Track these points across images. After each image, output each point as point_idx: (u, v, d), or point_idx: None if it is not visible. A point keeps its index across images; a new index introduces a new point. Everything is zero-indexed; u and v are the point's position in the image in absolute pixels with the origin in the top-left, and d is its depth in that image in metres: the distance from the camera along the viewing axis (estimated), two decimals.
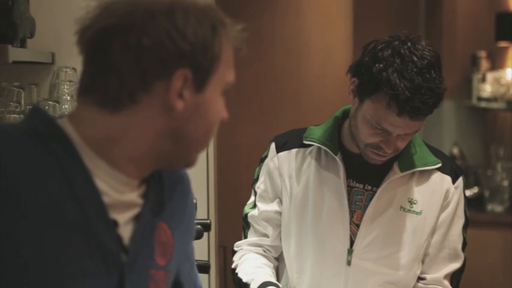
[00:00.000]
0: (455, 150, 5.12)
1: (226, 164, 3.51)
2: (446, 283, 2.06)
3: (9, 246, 1.10)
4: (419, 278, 2.06)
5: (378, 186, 2.01)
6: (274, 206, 2.10)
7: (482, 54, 5.18)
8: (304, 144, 2.06)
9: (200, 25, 1.18)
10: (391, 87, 1.83)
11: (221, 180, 2.96)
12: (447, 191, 2.04)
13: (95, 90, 1.18)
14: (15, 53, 2.02)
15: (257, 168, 2.14)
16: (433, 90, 1.85)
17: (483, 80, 5.14)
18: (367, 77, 1.88)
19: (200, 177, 2.72)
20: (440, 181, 2.04)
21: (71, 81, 2.36)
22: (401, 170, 2.00)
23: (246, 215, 2.13)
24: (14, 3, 2.07)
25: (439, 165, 2.04)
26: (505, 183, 4.88)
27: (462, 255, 2.08)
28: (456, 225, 2.06)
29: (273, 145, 2.10)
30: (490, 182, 4.90)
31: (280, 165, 2.07)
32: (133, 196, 1.23)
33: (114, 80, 1.17)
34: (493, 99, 5.09)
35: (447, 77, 6.20)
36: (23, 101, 2.22)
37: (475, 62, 5.19)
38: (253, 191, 2.14)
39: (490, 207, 4.85)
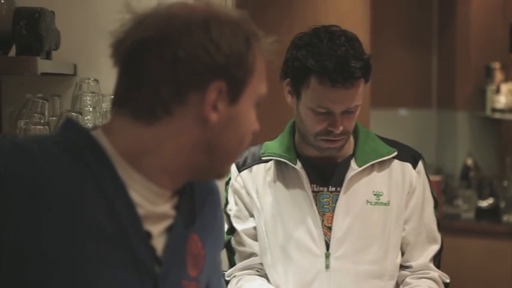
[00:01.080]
0: (470, 161, 5.11)
1: None
2: (433, 266, 2.09)
3: (42, 257, 1.11)
4: (405, 267, 2.08)
5: (341, 186, 2.04)
6: (251, 223, 2.11)
7: (496, 65, 5.18)
8: (263, 160, 2.09)
9: (234, 37, 1.19)
10: (318, 66, 1.90)
11: None
12: (410, 178, 2.07)
13: (129, 102, 1.19)
14: (41, 65, 2.04)
15: (224, 193, 2.14)
16: (357, 57, 1.92)
17: (497, 91, 5.13)
18: (294, 67, 1.95)
19: (219, 188, 2.71)
20: (401, 169, 2.07)
21: (93, 93, 2.36)
22: (359, 165, 2.03)
23: (229, 241, 2.13)
24: (41, 15, 2.09)
25: (395, 153, 2.07)
26: None
27: (439, 235, 2.11)
28: (428, 209, 2.10)
29: (233, 166, 2.11)
30: (505, 193, 4.88)
31: (245, 183, 2.10)
32: (167, 208, 1.24)
33: (149, 92, 1.18)
34: (507, 110, 5.07)
35: (461, 88, 6.14)
36: (46, 112, 2.23)
37: (489, 73, 5.18)
38: (225, 216, 2.12)
39: (505, 218, 4.83)
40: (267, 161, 2.09)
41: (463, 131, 5.27)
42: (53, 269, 1.12)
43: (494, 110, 5.11)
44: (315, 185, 2.05)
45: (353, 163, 2.04)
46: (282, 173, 2.07)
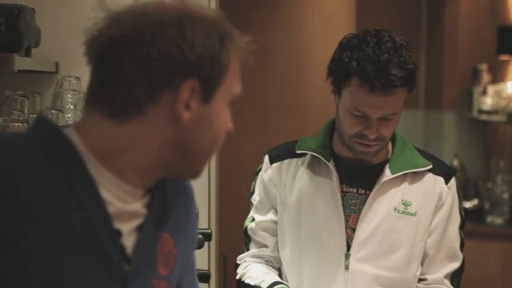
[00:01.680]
0: (456, 162, 5.12)
1: (227, 174, 3.52)
2: (448, 283, 2.08)
3: (12, 254, 1.11)
4: (420, 280, 2.08)
5: (371, 189, 2.04)
6: (270, 216, 2.13)
7: (484, 67, 5.19)
8: (297, 154, 2.10)
9: (208, 37, 1.18)
10: (359, 69, 1.90)
11: (222, 190, 2.97)
12: (441, 192, 2.07)
13: (102, 100, 1.19)
14: (20, 62, 2.03)
15: (253, 182, 2.18)
16: (400, 65, 1.90)
17: (484, 92, 5.14)
18: (338, 67, 1.95)
19: (202, 186, 2.72)
20: (433, 182, 2.07)
21: (74, 91, 2.36)
22: (393, 172, 2.03)
23: (246, 228, 2.17)
24: (21, 12, 2.08)
25: (430, 166, 2.07)
26: (505, 195, 4.88)
27: (461, 255, 2.11)
28: (453, 226, 2.09)
29: (266, 157, 2.15)
30: (490, 194, 4.91)
31: (274, 176, 2.12)
32: (138, 206, 1.24)
33: (122, 91, 1.17)
34: (493, 112, 5.09)
35: (448, 89, 6.15)
36: (26, 109, 2.22)
37: (476, 75, 5.19)
38: (251, 204, 2.18)
39: (489, 219, 4.86)
40: (300, 156, 2.10)
41: (450, 132, 5.29)
42: (23, 266, 1.11)
43: (480, 111, 5.12)
44: (344, 185, 2.06)
45: (387, 169, 2.04)
46: (314, 170, 2.08)
